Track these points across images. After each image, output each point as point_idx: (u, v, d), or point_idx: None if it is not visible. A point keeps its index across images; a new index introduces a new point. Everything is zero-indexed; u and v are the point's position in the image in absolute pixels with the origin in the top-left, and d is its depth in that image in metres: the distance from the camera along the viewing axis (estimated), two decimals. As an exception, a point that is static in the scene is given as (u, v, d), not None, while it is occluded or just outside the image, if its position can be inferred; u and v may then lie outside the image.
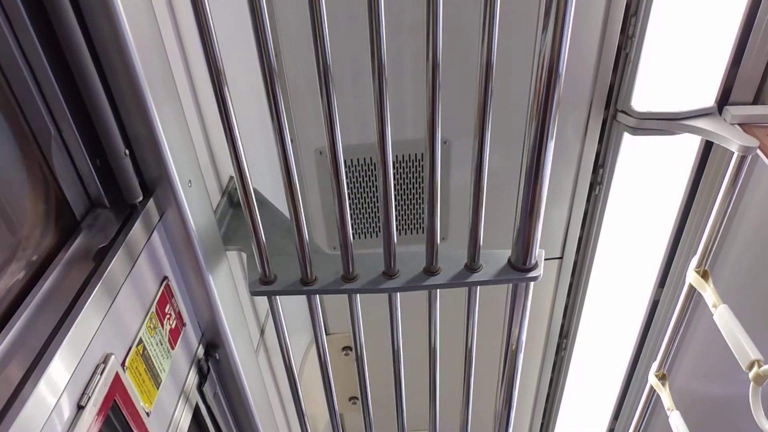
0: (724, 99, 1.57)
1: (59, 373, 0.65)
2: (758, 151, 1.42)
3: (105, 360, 0.73)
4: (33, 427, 0.60)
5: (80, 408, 0.67)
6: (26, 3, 0.66)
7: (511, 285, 0.99)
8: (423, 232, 1.83)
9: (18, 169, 0.71)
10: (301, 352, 1.86)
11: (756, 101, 1.56)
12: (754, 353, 1.39)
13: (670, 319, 1.79)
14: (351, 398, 2.38)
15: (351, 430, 2.60)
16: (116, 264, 0.76)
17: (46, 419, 0.62)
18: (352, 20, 1.45)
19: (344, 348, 2.18)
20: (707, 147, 1.64)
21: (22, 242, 0.71)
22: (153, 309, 0.86)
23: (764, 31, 1.46)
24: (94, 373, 0.71)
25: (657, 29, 1.45)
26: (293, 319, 1.59)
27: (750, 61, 1.50)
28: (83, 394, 0.68)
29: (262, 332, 1.44)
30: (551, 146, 0.81)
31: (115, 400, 0.73)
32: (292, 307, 1.45)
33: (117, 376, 0.74)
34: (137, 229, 0.82)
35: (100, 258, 0.76)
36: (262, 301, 1.42)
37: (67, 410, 0.66)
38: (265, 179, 1.34)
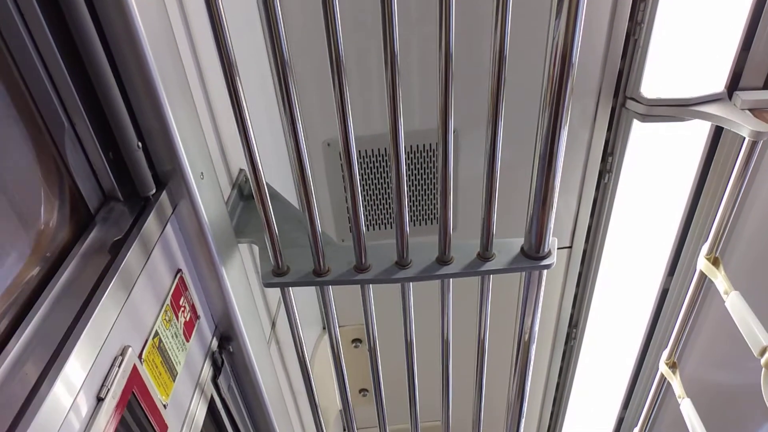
0: (734, 84, 1.55)
1: (78, 365, 0.65)
2: (769, 137, 1.41)
3: (123, 352, 0.73)
4: (55, 419, 0.60)
5: (100, 400, 0.67)
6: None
7: (523, 274, 0.99)
8: (432, 223, 1.84)
9: (32, 163, 0.72)
10: (311, 344, 1.86)
11: (766, 86, 1.55)
12: (766, 339, 1.38)
13: (681, 307, 1.78)
14: (361, 390, 2.38)
15: (360, 423, 2.61)
16: (131, 257, 0.76)
17: (66, 411, 0.62)
18: (359, 11, 1.44)
19: (354, 340, 2.18)
20: (717, 133, 1.63)
21: (37, 236, 0.71)
22: (168, 301, 0.86)
23: (774, 16, 1.45)
24: (112, 365, 0.71)
25: (666, 15, 1.43)
26: (303, 311, 1.59)
27: (760, 46, 1.49)
28: (102, 386, 0.69)
29: (273, 324, 1.44)
30: (564, 134, 0.80)
31: (133, 393, 0.74)
32: (302, 299, 1.45)
33: (135, 368, 0.74)
34: (151, 222, 0.82)
35: (115, 251, 0.76)
36: (273, 294, 1.43)
37: (86, 403, 0.66)
38: (273, 171, 1.34)
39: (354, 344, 2.20)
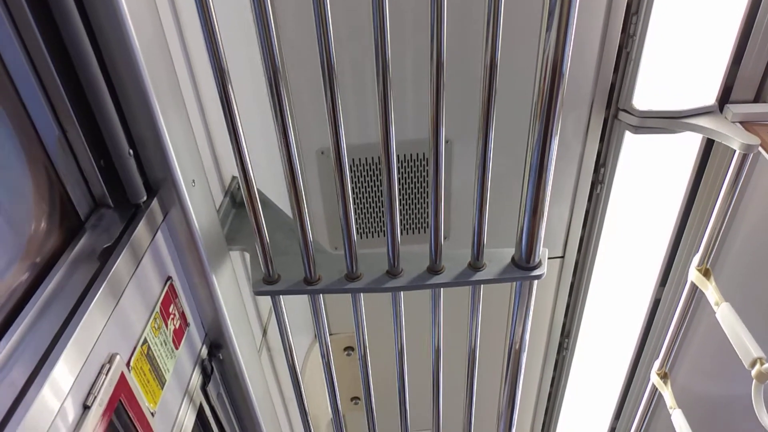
0: (725, 97, 1.57)
1: (65, 373, 0.65)
2: (759, 149, 1.42)
3: (110, 360, 0.73)
4: (40, 427, 0.60)
5: (86, 408, 0.67)
6: (31, 5, 0.66)
7: (514, 284, 0.99)
8: (424, 232, 1.84)
9: (22, 170, 0.71)
10: (303, 351, 1.86)
11: (757, 99, 1.56)
12: (756, 351, 1.39)
13: (672, 318, 1.79)
14: (353, 398, 2.38)
15: (353, 431, 2.60)
16: (121, 264, 0.76)
17: (52, 419, 0.62)
18: (353, 20, 1.45)
19: (346, 348, 2.18)
20: (708, 145, 1.64)
21: (26, 243, 0.71)
22: (157, 309, 0.86)
23: (765, 29, 1.46)
24: (100, 373, 0.71)
25: (658, 28, 1.45)
26: (295, 318, 1.59)
27: (751, 59, 1.50)
28: (89, 394, 0.68)
29: (264, 332, 1.44)
30: (555, 145, 0.81)
31: (120, 401, 0.73)
32: (294, 306, 1.45)
33: (122, 376, 0.74)
34: (141, 229, 0.82)
35: (104, 258, 0.76)
36: (264, 301, 1.42)
37: (72, 410, 0.66)
38: (266, 179, 1.34)
39: (346, 352, 2.20)
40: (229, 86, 0.78)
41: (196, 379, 1.02)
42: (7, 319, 0.65)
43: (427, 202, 1.76)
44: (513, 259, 0.97)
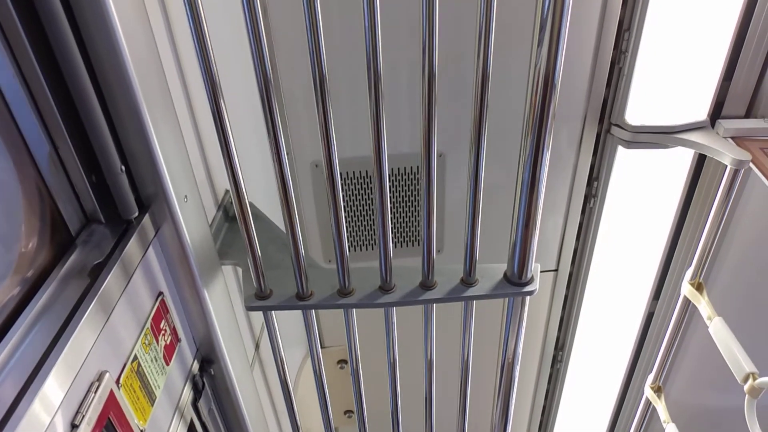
0: (717, 112, 1.58)
1: (53, 391, 0.64)
2: (751, 165, 1.43)
3: (99, 378, 0.72)
4: (27, 447, 0.59)
5: (74, 427, 0.67)
6: (23, 21, 0.66)
7: (507, 299, 0.99)
8: (419, 245, 1.84)
9: (13, 185, 0.71)
10: (296, 364, 1.85)
11: (748, 114, 1.57)
12: (748, 366, 1.39)
13: (666, 332, 1.79)
14: (346, 411, 2.36)
15: (346, 444, 2.58)
16: (111, 280, 0.76)
17: (40, 438, 0.61)
18: (347, 33, 1.45)
19: (340, 361, 2.17)
20: (700, 160, 1.65)
21: (16, 258, 0.71)
22: (148, 325, 0.86)
23: (756, 45, 1.48)
24: (89, 391, 0.70)
25: (650, 44, 1.46)
26: (289, 331, 1.58)
27: (742, 75, 1.51)
28: (77, 412, 0.68)
29: (257, 346, 1.43)
30: (547, 159, 0.81)
31: (109, 418, 0.73)
32: (288, 319, 1.44)
33: (111, 393, 0.73)
34: (132, 245, 0.81)
35: (95, 274, 0.76)
36: (257, 315, 1.42)
37: (60, 429, 0.65)
38: (260, 192, 1.34)
39: (340, 365, 2.19)
40: (221, 100, 0.78)
41: (187, 395, 1.01)
42: (-4, 336, 0.65)
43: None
44: (505, 274, 0.97)
